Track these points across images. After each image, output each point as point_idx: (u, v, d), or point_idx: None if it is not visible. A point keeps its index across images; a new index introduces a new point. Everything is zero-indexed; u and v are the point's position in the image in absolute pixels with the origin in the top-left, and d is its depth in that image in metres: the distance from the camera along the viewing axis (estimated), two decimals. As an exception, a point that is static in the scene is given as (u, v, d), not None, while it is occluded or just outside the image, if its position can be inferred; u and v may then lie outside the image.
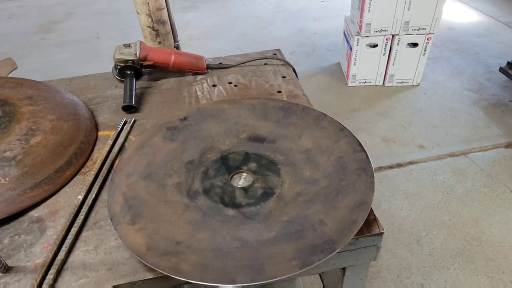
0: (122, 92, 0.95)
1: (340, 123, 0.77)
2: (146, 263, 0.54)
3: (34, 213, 0.67)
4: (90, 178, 0.73)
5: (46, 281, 0.55)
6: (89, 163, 0.78)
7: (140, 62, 0.99)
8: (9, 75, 2.96)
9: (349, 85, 2.62)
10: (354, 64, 2.50)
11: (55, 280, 0.56)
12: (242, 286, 0.52)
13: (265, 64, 1.09)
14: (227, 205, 0.65)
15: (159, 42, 1.66)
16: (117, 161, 0.77)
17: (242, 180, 0.71)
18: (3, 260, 0.56)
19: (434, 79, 2.65)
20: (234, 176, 0.72)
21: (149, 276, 0.56)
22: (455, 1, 3.82)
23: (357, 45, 2.41)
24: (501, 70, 2.43)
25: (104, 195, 0.70)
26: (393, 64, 2.48)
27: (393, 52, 2.42)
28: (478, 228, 1.64)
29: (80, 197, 0.68)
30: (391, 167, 1.98)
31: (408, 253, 1.56)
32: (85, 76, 1.08)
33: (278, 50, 1.16)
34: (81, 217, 0.65)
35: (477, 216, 1.69)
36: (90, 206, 0.67)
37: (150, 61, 1.00)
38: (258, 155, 0.75)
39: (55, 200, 0.70)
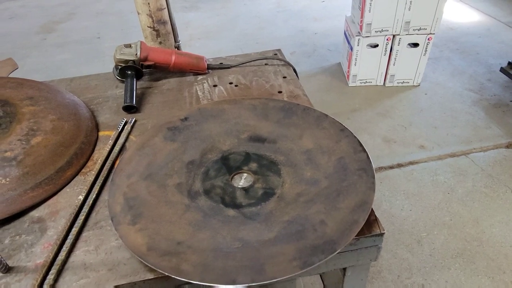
0: (123, 92, 0.95)
1: (341, 123, 0.77)
2: (146, 264, 0.54)
3: (35, 213, 0.67)
4: (90, 178, 0.73)
5: (46, 281, 0.55)
6: (89, 163, 0.78)
7: (140, 62, 0.99)
8: (10, 75, 2.97)
9: (349, 85, 2.62)
10: (355, 64, 2.50)
11: (55, 280, 0.56)
12: (243, 286, 0.52)
13: (266, 64, 1.09)
14: (228, 205, 0.65)
15: (160, 42, 1.66)
16: (117, 162, 0.77)
17: (242, 181, 0.71)
18: (4, 260, 0.56)
19: (435, 79, 2.65)
20: (235, 176, 0.72)
21: (150, 276, 0.56)
22: (455, 1, 3.82)
23: (358, 45, 2.41)
24: (502, 70, 2.42)
25: (104, 196, 0.70)
26: (394, 64, 2.48)
27: (393, 52, 2.42)
28: (479, 228, 1.64)
29: (81, 197, 0.68)
30: (391, 167, 1.98)
31: (408, 253, 1.55)
32: (86, 76, 1.08)
33: (279, 50, 1.16)
34: (81, 217, 0.65)
35: (478, 216, 1.69)
36: (91, 207, 0.67)
37: (151, 61, 1.00)
38: (259, 156, 0.75)
39: (56, 200, 0.70)
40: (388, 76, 2.55)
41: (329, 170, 0.69)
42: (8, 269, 0.57)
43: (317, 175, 0.68)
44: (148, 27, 1.61)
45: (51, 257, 0.58)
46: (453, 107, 2.38)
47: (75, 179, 0.74)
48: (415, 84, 2.58)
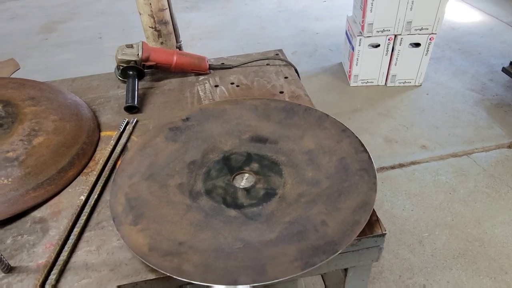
0: (125, 93, 0.95)
1: (342, 123, 0.77)
2: (148, 264, 0.54)
3: (37, 213, 0.67)
4: (92, 178, 0.73)
5: (48, 281, 0.55)
6: (91, 163, 0.78)
7: (142, 63, 0.99)
8: (12, 76, 2.97)
9: (351, 85, 2.62)
10: (356, 64, 2.50)
11: (57, 280, 0.56)
12: (244, 287, 0.52)
13: (267, 64, 1.09)
14: (229, 205, 0.65)
15: (161, 43, 1.66)
16: (119, 162, 0.77)
17: (244, 181, 0.71)
18: (6, 260, 0.56)
19: (437, 79, 2.64)
20: (236, 176, 0.72)
21: (152, 276, 0.56)
22: (457, 1, 3.81)
23: (359, 45, 2.40)
24: (504, 70, 2.42)
25: (106, 196, 0.70)
26: (395, 64, 2.48)
27: (395, 52, 2.42)
28: (481, 228, 1.63)
29: (83, 198, 0.68)
30: (393, 167, 1.97)
31: (410, 253, 1.55)
32: (88, 77, 1.08)
33: (280, 50, 1.16)
34: (83, 217, 0.65)
35: (480, 216, 1.68)
36: (93, 207, 0.68)
37: (152, 61, 1.00)
38: (260, 156, 0.75)
39: (58, 201, 0.70)
40: (389, 76, 2.55)
41: (330, 171, 0.68)
42: (10, 269, 0.58)
43: (319, 176, 0.68)
44: (149, 27, 1.62)
45: (53, 257, 0.58)
46: (455, 107, 2.37)
47: (77, 180, 0.74)
48: (416, 84, 2.57)
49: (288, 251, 0.55)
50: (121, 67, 0.99)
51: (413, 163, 1.99)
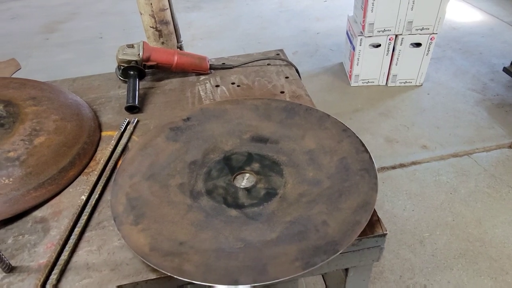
0: (125, 93, 0.95)
1: (343, 123, 0.77)
2: (149, 264, 0.54)
3: (38, 213, 0.68)
4: (93, 178, 0.73)
5: (49, 281, 0.56)
6: (92, 163, 0.78)
7: (143, 63, 0.99)
8: (13, 76, 2.98)
9: (352, 85, 2.62)
10: (357, 64, 2.50)
11: (58, 280, 0.56)
12: (245, 286, 0.52)
13: (268, 64, 1.09)
14: (230, 205, 0.65)
15: (162, 43, 1.66)
16: (120, 162, 0.77)
17: (245, 181, 0.71)
18: (7, 260, 0.56)
19: (438, 79, 2.64)
20: (237, 176, 0.72)
21: (152, 276, 0.56)
22: (458, 1, 3.81)
23: (360, 45, 2.40)
24: (505, 70, 2.41)
25: (107, 196, 0.70)
26: (396, 64, 2.47)
27: (396, 52, 2.42)
28: (482, 228, 1.63)
29: (84, 198, 0.68)
30: (394, 167, 1.97)
31: (411, 253, 1.55)
32: (89, 77, 1.08)
33: (281, 50, 1.16)
34: (84, 217, 0.65)
35: (481, 216, 1.68)
36: (93, 207, 0.68)
37: (153, 61, 1.00)
38: (261, 156, 0.75)
39: (59, 201, 0.70)
40: (390, 76, 2.55)
41: (331, 171, 0.68)
42: (11, 269, 0.58)
43: (319, 176, 0.68)
44: (150, 27, 1.62)
45: (54, 257, 0.58)
46: (456, 107, 2.37)
47: (77, 179, 0.74)
48: (417, 84, 2.57)
49: (289, 251, 0.55)
50: (122, 67, 0.99)
51: (414, 163, 1.99)
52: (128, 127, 0.87)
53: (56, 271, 0.57)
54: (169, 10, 1.62)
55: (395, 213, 1.72)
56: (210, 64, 1.07)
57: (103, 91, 1.02)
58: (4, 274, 0.57)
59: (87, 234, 0.63)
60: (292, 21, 3.69)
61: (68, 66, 3.13)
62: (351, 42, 2.56)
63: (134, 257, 0.59)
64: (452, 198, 1.78)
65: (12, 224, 0.66)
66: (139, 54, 0.98)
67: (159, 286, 0.58)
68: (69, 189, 0.72)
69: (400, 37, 2.35)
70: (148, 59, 1.00)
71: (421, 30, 2.31)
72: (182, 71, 1.05)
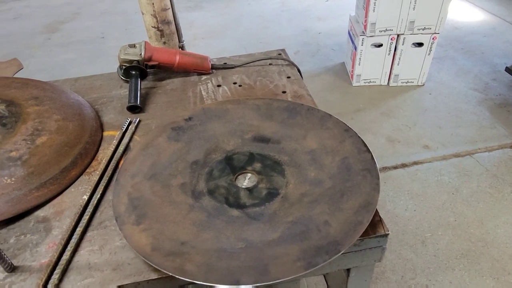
0: (127, 92, 0.95)
1: (345, 123, 0.77)
2: (151, 264, 0.54)
3: (40, 213, 0.68)
4: (95, 178, 0.73)
5: (51, 280, 0.56)
6: (94, 163, 0.78)
7: (145, 63, 0.99)
8: (15, 75, 2.99)
9: (353, 85, 2.61)
10: (359, 64, 2.50)
11: (60, 280, 0.56)
12: (247, 286, 0.52)
13: (270, 64, 1.09)
14: (232, 205, 0.65)
15: (164, 43, 1.67)
16: (122, 161, 0.77)
17: (246, 181, 0.71)
18: (9, 259, 0.56)
19: (439, 79, 2.63)
20: (239, 176, 0.72)
21: (154, 276, 0.56)
22: (460, 0, 3.80)
23: (362, 45, 2.40)
24: (507, 69, 2.41)
25: (109, 195, 0.70)
26: (398, 64, 2.47)
27: (398, 51, 2.41)
28: (484, 229, 1.63)
29: (85, 197, 0.68)
30: (395, 167, 1.97)
31: (412, 253, 1.55)
32: (90, 76, 1.08)
33: (283, 50, 1.16)
34: (86, 217, 0.65)
35: (483, 217, 1.68)
36: (95, 206, 0.68)
37: (155, 61, 1.01)
38: (263, 156, 0.75)
39: (61, 200, 0.70)
40: (392, 76, 2.54)
41: (333, 171, 0.68)
42: (13, 269, 0.58)
43: (321, 176, 0.68)
44: (152, 27, 1.62)
45: (55, 257, 0.58)
46: (458, 107, 2.37)
47: (79, 179, 0.75)
48: (419, 84, 2.57)
49: (290, 251, 0.55)
50: (123, 67, 0.99)
51: (415, 163, 1.99)
52: (130, 127, 0.87)
53: (58, 270, 0.57)
54: (170, 10, 1.62)
55: (396, 213, 1.72)
56: (211, 64, 1.07)
57: (105, 91, 1.02)
58: (6, 273, 0.57)
59: (89, 234, 0.63)
60: (293, 20, 3.69)
61: (70, 66, 3.14)
62: (352, 42, 2.55)
63: (136, 257, 0.59)
64: (454, 198, 1.77)
65: (14, 224, 0.66)
66: (141, 54, 0.98)
67: (160, 286, 0.58)
68: (71, 188, 0.72)
69: (402, 37, 2.35)
70: (150, 59, 1.00)
71: (423, 29, 2.31)
72: (183, 71, 1.05)
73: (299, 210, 0.62)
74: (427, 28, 2.30)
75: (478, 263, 1.50)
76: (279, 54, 1.13)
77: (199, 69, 1.05)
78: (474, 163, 1.95)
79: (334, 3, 4.01)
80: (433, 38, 2.33)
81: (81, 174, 0.75)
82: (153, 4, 1.54)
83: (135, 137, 0.85)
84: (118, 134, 0.85)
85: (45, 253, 0.60)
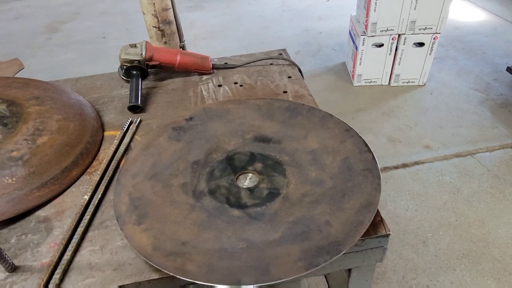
0: (128, 92, 0.95)
1: (346, 123, 0.77)
2: (152, 264, 0.54)
3: (41, 212, 0.68)
4: (96, 178, 0.73)
5: (52, 280, 0.56)
6: (95, 163, 0.78)
7: (146, 62, 0.99)
8: (16, 75, 2.99)
9: (354, 85, 2.61)
10: (360, 64, 2.49)
11: (61, 280, 0.56)
12: (248, 287, 0.52)
13: (271, 64, 1.09)
14: (233, 205, 0.65)
15: (165, 42, 1.67)
16: (123, 161, 0.77)
17: (247, 181, 0.71)
18: (10, 259, 0.56)
19: (441, 79, 2.63)
20: (240, 176, 0.72)
21: (155, 276, 0.56)
22: (461, 0, 3.80)
23: (363, 45, 2.40)
24: (508, 69, 2.40)
25: (110, 195, 0.70)
26: (399, 64, 2.47)
27: (399, 51, 2.41)
28: (485, 229, 1.63)
29: (86, 197, 0.68)
30: (396, 167, 1.97)
31: (413, 254, 1.55)
32: (91, 76, 1.08)
33: (284, 50, 1.15)
34: (87, 217, 0.65)
35: (484, 217, 1.68)
36: (96, 206, 0.68)
37: (156, 61, 1.00)
38: (264, 156, 0.75)
39: (62, 200, 0.70)
40: (393, 76, 2.54)
41: (334, 171, 0.68)
42: (14, 269, 0.58)
43: (322, 176, 0.68)
44: (153, 27, 1.62)
45: (57, 257, 0.58)
46: (459, 107, 2.36)
47: (80, 179, 0.75)
48: (420, 83, 2.56)
49: (291, 251, 0.55)
50: (124, 67, 0.99)
51: (416, 163, 1.99)
52: (131, 126, 0.87)
53: (59, 270, 0.57)
54: (171, 9, 1.62)
55: (397, 213, 1.72)
56: (212, 64, 1.07)
57: (105, 90, 1.02)
58: (7, 273, 0.57)
59: (90, 234, 0.63)
60: (294, 20, 3.68)
61: (70, 66, 3.14)
62: (353, 42, 2.55)
63: (137, 257, 0.59)
64: (455, 198, 1.77)
65: (15, 224, 0.66)
66: (141, 54, 0.98)
67: (161, 286, 0.58)
68: (72, 188, 0.72)
69: (403, 37, 2.34)
70: (150, 59, 1.00)
71: (424, 29, 2.31)
72: (184, 71, 1.05)
73: (300, 210, 0.62)
74: (428, 28, 2.30)
75: (479, 263, 1.50)
76: (280, 54, 1.13)
77: (200, 69, 1.05)
78: (475, 163, 1.95)
79: (335, 3, 4.01)
80: (434, 38, 2.32)
81: (82, 174, 0.75)
82: (154, 4, 1.54)
83: (136, 137, 0.85)
84: (119, 134, 0.85)
85: (46, 253, 0.60)
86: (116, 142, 0.82)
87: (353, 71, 2.60)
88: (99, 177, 0.73)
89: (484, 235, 1.60)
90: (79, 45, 3.49)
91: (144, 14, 1.60)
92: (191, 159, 0.74)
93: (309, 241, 0.56)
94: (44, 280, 0.55)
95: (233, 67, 1.08)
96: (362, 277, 0.70)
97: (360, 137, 0.73)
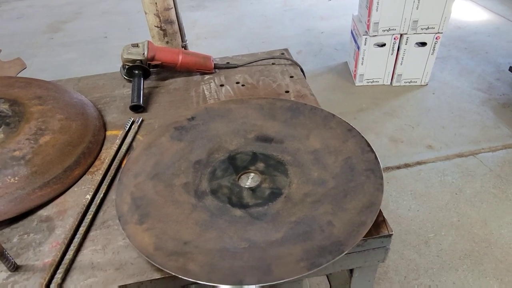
0: (130, 92, 0.95)
1: (348, 123, 0.76)
2: (153, 263, 0.54)
3: (43, 212, 0.68)
4: (98, 177, 0.73)
5: (54, 280, 0.56)
6: (97, 162, 0.78)
7: (148, 62, 0.99)
8: (19, 75, 2.99)
9: (356, 85, 2.61)
10: (362, 64, 2.49)
11: (63, 279, 0.56)
12: (249, 287, 0.52)
13: (273, 63, 1.09)
14: (235, 205, 0.65)
15: (167, 42, 1.67)
16: (125, 161, 0.77)
17: (249, 180, 0.71)
18: (12, 258, 0.56)
19: (443, 78, 2.62)
20: (242, 176, 0.72)
21: (157, 276, 0.56)
22: (464, 0, 3.78)
23: (365, 44, 2.39)
24: (511, 69, 2.40)
25: (112, 195, 0.70)
26: (401, 64, 2.46)
27: (401, 51, 2.40)
28: (487, 229, 1.62)
29: (88, 197, 0.68)
30: (398, 167, 1.96)
31: (416, 254, 1.54)
32: (93, 76, 1.09)
33: (286, 49, 1.15)
34: (89, 216, 0.65)
35: (486, 217, 1.67)
36: (98, 206, 0.68)
37: (158, 60, 1.00)
38: (266, 155, 0.74)
39: (64, 200, 0.70)
40: (395, 76, 2.53)
41: (336, 170, 0.68)
42: (16, 268, 0.58)
43: (324, 175, 0.68)
44: (155, 26, 1.62)
45: (59, 256, 0.58)
46: (461, 106, 2.36)
47: (82, 178, 0.75)
48: (422, 83, 2.56)
49: (293, 251, 0.55)
50: (126, 66, 0.99)
51: (419, 163, 1.98)
52: (133, 126, 0.87)
53: (61, 270, 0.57)
54: (173, 9, 1.62)
55: (399, 213, 1.71)
56: (214, 64, 1.07)
57: (108, 90, 1.02)
58: (9, 273, 0.58)
59: (92, 233, 0.63)
60: (296, 20, 3.68)
61: (72, 66, 3.15)
62: (355, 42, 2.55)
63: (139, 256, 0.59)
64: (458, 198, 1.77)
65: (18, 223, 0.66)
66: (143, 54, 0.98)
67: (163, 286, 0.58)
68: (74, 188, 0.73)
69: (405, 37, 2.34)
70: (152, 59, 1.00)
71: (426, 29, 2.30)
72: (186, 71, 1.05)
73: (302, 210, 0.62)
74: (430, 28, 2.29)
75: (482, 263, 1.49)
76: (282, 53, 1.13)
77: (202, 68, 1.05)
78: (477, 163, 1.95)
79: (336, 2, 4.00)
80: (436, 38, 2.32)
81: (84, 174, 0.75)
82: (156, 3, 1.54)
83: (138, 136, 0.85)
84: (121, 133, 0.85)
85: (48, 252, 0.60)
86: (118, 141, 0.82)
87: (355, 70, 2.59)
88: (101, 176, 0.73)
89: (487, 236, 1.59)
90: (81, 45, 3.50)
91: (146, 13, 1.60)
92: (193, 158, 0.74)
93: (311, 241, 0.56)
94: (46, 279, 0.55)
95: (235, 67, 1.08)
96: (364, 277, 0.70)
97: (362, 137, 0.73)
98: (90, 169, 0.77)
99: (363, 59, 2.47)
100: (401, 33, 2.33)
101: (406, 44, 2.36)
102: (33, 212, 0.68)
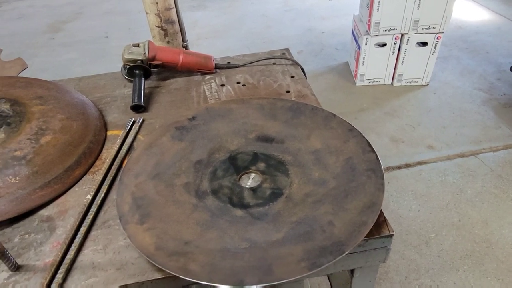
0: (131, 92, 0.96)
1: (349, 123, 0.76)
2: (154, 263, 0.54)
3: (44, 212, 0.68)
4: (99, 177, 0.73)
5: (55, 280, 0.56)
6: (98, 162, 0.78)
7: (148, 62, 0.99)
8: (19, 75, 2.99)
9: (357, 85, 2.61)
10: (363, 63, 2.49)
11: (64, 279, 0.56)
12: (250, 287, 0.52)
13: (274, 63, 1.09)
14: (236, 205, 0.65)
15: (168, 42, 1.67)
16: (125, 161, 0.77)
17: (250, 181, 0.71)
18: (13, 258, 0.56)
19: (444, 78, 2.62)
20: (243, 176, 0.72)
21: (158, 276, 0.56)
22: (465, 0, 3.78)
23: (366, 44, 2.39)
24: (512, 69, 2.39)
25: (113, 195, 0.70)
26: (402, 64, 2.46)
27: (402, 51, 2.40)
28: (488, 229, 1.62)
29: (89, 197, 0.68)
30: (399, 167, 1.96)
31: (416, 254, 1.54)
32: (94, 76, 1.09)
33: (287, 49, 1.15)
34: (90, 216, 0.65)
35: (487, 217, 1.67)
36: (99, 206, 0.68)
37: (159, 60, 1.00)
38: (267, 155, 0.74)
39: (65, 200, 0.70)
40: (396, 76, 2.53)
41: (337, 171, 0.68)
42: (17, 268, 0.58)
43: (325, 176, 0.68)
44: (156, 26, 1.62)
45: (60, 256, 0.58)
46: (462, 106, 2.36)
47: (83, 178, 0.75)
48: (423, 83, 2.56)
49: (294, 252, 0.55)
50: (127, 66, 0.99)
51: (419, 163, 1.98)
52: (134, 126, 0.87)
53: (62, 270, 0.57)
54: (174, 9, 1.62)
55: (400, 214, 1.71)
56: (215, 63, 1.07)
57: (108, 90, 1.02)
58: (10, 272, 0.58)
59: (92, 233, 0.63)
60: (297, 20, 3.68)
61: (73, 66, 3.15)
62: (356, 41, 2.55)
63: (140, 256, 0.59)
64: (459, 198, 1.76)
65: (19, 223, 0.66)
66: (144, 54, 0.98)
67: (164, 286, 0.58)
68: (75, 188, 0.73)
69: (406, 36, 2.34)
70: (153, 59, 1.00)
71: (427, 29, 2.30)
72: (187, 71, 1.05)
73: (303, 210, 0.62)
74: (431, 28, 2.29)
75: (483, 264, 1.49)
76: (283, 53, 1.13)
77: (203, 68, 1.05)
78: (478, 163, 1.94)
79: (337, 2, 4.00)
80: (437, 38, 2.31)
81: (85, 174, 0.75)
82: (157, 3, 1.54)
83: (139, 136, 0.85)
84: (122, 133, 0.85)
85: (49, 252, 0.60)
86: (119, 141, 0.82)
87: (356, 70, 2.59)
88: (102, 176, 0.73)
89: (488, 236, 1.59)
90: (82, 45, 3.50)
91: (147, 13, 1.60)
92: (194, 158, 0.74)
93: (312, 241, 0.56)
94: (47, 279, 0.55)
95: (236, 67, 1.08)
96: (365, 277, 0.70)
97: (363, 137, 0.72)
98: (91, 169, 0.77)
99: (364, 59, 2.47)
100: (402, 33, 2.33)
101: (407, 44, 2.36)
102: (34, 212, 0.68)
